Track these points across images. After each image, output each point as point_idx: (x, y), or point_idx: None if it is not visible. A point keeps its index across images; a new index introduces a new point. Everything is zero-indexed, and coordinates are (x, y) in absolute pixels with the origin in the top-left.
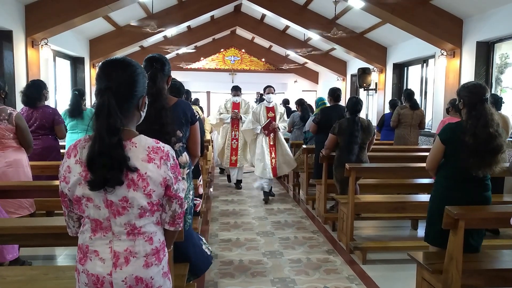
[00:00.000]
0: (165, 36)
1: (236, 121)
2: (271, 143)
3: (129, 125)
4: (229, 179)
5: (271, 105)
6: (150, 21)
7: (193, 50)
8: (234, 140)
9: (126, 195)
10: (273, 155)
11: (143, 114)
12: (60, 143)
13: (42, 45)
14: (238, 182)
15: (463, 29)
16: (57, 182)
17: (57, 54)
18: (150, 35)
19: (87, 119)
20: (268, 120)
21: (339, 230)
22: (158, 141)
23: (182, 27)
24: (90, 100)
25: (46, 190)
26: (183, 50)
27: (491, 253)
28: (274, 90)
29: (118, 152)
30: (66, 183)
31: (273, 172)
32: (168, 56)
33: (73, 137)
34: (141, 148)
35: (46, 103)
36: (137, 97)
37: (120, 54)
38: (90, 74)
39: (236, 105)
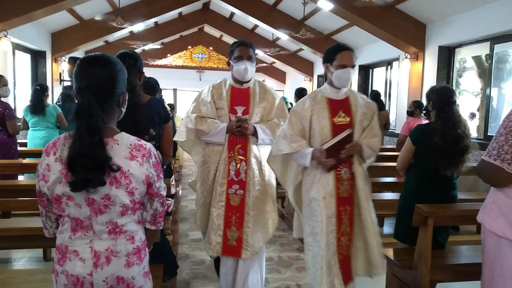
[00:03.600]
0: (131, 32)
1: (241, 140)
2: (344, 195)
3: (111, 123)
4: (217, 269)
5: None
6: (116, 16)
7: (160, 47)
8: (236, 188)
9: (109, 193)
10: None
11: (124, 111)
12: (21, 141)
13: (0, 37)
14: None
15: (426, 33)
16: (14, 181)
17: (17, 47)
18: (116, 30)
19: (49, 116)
20: (347, 132)
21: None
22: (140, 139)
23: (149, 23)
24: (52, 96)
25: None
26: (150, 46)
27: (455, 248)
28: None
29: (99, 152)
30: (45, 182)
31: (347, 275)
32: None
33: (35, 135)
34: (123, 145)
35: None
36: (118, 94)
37: (84, 48)
38: (52, 69)
39: (241, 95)
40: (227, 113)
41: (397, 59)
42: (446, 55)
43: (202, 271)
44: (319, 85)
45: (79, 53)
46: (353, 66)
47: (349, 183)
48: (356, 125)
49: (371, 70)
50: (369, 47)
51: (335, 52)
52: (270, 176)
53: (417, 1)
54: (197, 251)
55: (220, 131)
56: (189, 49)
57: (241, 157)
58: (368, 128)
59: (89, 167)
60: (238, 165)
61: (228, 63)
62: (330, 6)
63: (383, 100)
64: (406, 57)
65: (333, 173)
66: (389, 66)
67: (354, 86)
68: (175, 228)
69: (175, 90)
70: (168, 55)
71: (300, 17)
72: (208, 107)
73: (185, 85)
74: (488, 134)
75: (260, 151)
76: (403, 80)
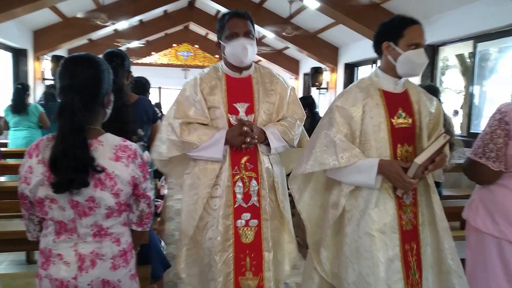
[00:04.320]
0: (115, 30)
1: (249, 150)
2: (407, 227)
3: (95, 124)
4: None
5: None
6: (101, 13)
7: (145, 45)
8: (248, 217)
9: (93, 195)
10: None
11: (109, 112)
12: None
13: None
14: None
15: None
16: None
17: None
18: (100, 28)
19: (32, 115)
20: (443, 139)
21: (296, 226)
22: (125, 139)
23: (134, 20)
24: (34, 95)
25: None
26: (134, 44)
27: None
28: None
29: (83, 152)
30: (27, 184)
31: None
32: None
33: (17, 135)
34: (108, 146)
35: None
36: (103, 95)
37: (67, 46)
38: (34, 68)
39: (242, 87)
40: (224, 114)
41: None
42: (430, 53)
43: None
44: (305, 84)
45: (62, 51)
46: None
47: (412, 210)
48: (423, 129)
49: (356, 68)
50: (355, 45)
51: (403, 26)
52: (284, 194)
53: (401, 0)
54: None
55: (216, 142)
56: (174, 47)
57: (250, 173)
58: (436, 134)
59: (72, 168)
60: (247, 185)
61: (218, 45)
62: (317, 4)
63: None
64: None
65: (394, 197)
66: (374, 64)
67: (340, 85)
68: (161, 228)
69: (160, 88)
70: (153, 53)
71: (286, 15)
72: (197, 107)
73: (170, 84)
74: (471, 131)
75: (272, 163)
76: None
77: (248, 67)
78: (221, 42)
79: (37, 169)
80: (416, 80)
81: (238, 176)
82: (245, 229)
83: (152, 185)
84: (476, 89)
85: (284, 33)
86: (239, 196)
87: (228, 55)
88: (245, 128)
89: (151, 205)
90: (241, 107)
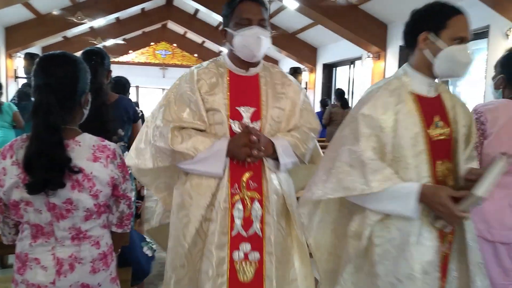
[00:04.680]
0: (91, 27)
1: (252, 165)
2: (442, 261)
3: (71, 124)
4: None
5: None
6: (76, 11)
7: (122, 43)
8: (247, 250)
9: (71, 197)
10: None
11: (86, 112)
12: None
13: None
14: None
15: (387, 33)
16: None
17: None
18: (75, 25)
19: (5, 114)
20: (504, 160)
21: None
22: (104, 139)
23: (111, 18)
24: (7, 94)
25: None
26: (111, 42)
27: None
28: None
29: (58, 152)
30: (0, 187)
31: None
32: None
33: None
34: (85, 146)
35: None
36: (80, 94)
37: (40, 44)
38: (6, 65)
39: (247, 88)
40: (225, 118)
41: (359, 58)
42: (406, 55)
43: None
44: None
45: (35, 49)
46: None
47: (449, 239)
48: (459, 141)
49: (334, 68)
50: (333, 46)
51: (448, 15)
52: (300, 219)
53: (379, 2)
54: (164, 252)
55: (215, 153)
56: (152, 45)
57: (253, 193)
58: (470, 148)
59: (47, 168)
60: (249, 209)
61: (224, 33)
62: (296, 5)
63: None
64: (368, 56)
65: (435, 229)
66: (352, 65)
67: (319, 85)
68: (141, 229)
69: (137, 87)
70: (130, 51)
71: None
72: (193, 109)
73: (148, 82)
74: None
75: (281, 182)
76: (366, 79)
77: (256, 64)
78: (228, 30)
79: (11, 171)
80: None
81: (238, 197)
82: (244, 263)
83: (133, 186)
84: (450, 90)
85: None
86: (237, 222)
87: (236, 46)
88: (253, 138)
89: (132, 206)
90: (246, 112)
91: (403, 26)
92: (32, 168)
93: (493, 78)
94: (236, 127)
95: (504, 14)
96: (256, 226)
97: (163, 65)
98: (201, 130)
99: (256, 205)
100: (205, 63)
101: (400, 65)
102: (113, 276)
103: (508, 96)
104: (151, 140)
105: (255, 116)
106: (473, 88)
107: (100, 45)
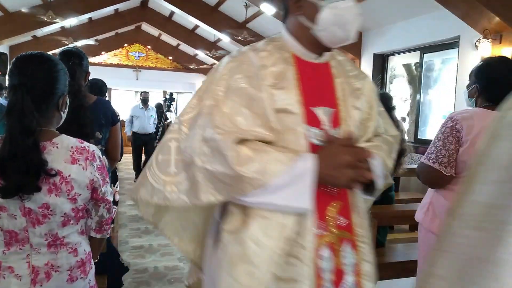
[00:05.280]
0: (62, 27)
1: (341, 197)
2: None
3: (48, 126)
4: None
5: None
6: (47, 9)
7: (94, 43)
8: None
9: (47, 202)
10: None
11: (64, 115)
12: None
13: None
14: None
15: (362, 41)
16: None
17: None
18: (45, 25)
19: None
20: None
21: None
22: (82, 140)
23: (83, 18)
24: None
25: None
26: (83, 42)
27: (392, 247)
28: None
29: (33, 155)
30: None
31: None
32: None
33: None
34: (63, 148)
35: None
36: (57, 96)
37: (8, 43)
38: None
39: (321, 80)
40: (301, 124)
41: None
42: (380, 63)
43: (145, 279)
44: None
45: (3, 48)
46: None
47: None
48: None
49: None
50: None
51: None
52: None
53: None
54: (138, 258)
55: (298, 177)
56: (126, 47)
57: (342, 233)
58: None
59: (21, 171)
60: (340, 255)
61: (298, 4)
62: (273, 10)
63: None
64: None
65: None
66: None
67: None
68: (114, 235)
69: (109, 89)
70: (103, 52)
71: (242, 20)
72: (255, 111)
73: (120, 84)
74: (418, 137)
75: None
76: None
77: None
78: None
79: None
80: None
81: (325, 240)
82: None
83: (112, 190)
84: (422, 98)
85: (240, 38)
86: (326, 277)
87: (324, 23)
88: (344, 139)
89: (111, 210)
90: (324, 114)
91: (379, 34)
92: (5, 172)
93: (468, 86)
94: (315, 137)
95: (473, 26)
96: (350, 280)
97: (137, 67)
98: (266, 142)
99: (348, 248)
100: (260, 43)
101: (374, 73)
102: (92, 284)
103: (481, 105)
104: (195, 160)
105: (335, 120)
106: (443, 96)
107: (71, 46)
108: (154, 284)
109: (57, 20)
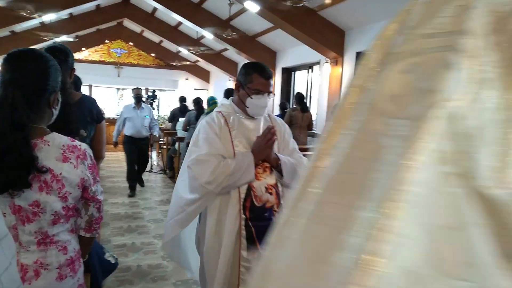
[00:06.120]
0: (42, 22)
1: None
2: None
3: (40, 123)
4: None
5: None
6: (26, 4)
7: (74, 40)
8: None
9: (38, 199)
10: None
11: (56, 112)
12: None
13: None
14: None
15: (345, 40)
16: None
17: None
18: (24, 20)
19: None
20: None
21: None
22: (74, 139)
23: (63, 14)
24: None
25: None
26: (63, 38)
27: None
28: None
29: (24, 150)
30: None
31: None
32: (45, 45)
33: None
34: (54, 146)
35: None
36: (48, 92)
37: None
38: None
39: None
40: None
41: (318, 63)
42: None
43: (128, 277)
44: None
45: None
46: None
47: None
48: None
49: (293, 72)
50: (292, 50)
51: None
52: None
53: (337, 8)
54: (121, 257)
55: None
56: (107, 43)
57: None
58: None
59: (11, 167)
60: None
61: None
62: (257, 8)
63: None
64: (326, 62)
65: None
66: (310, 70)
67: (278, 88)
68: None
69: (90, 86)
70: (83, 48)
71: (225, 17)
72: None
73: (102, 81)
74: None
75: None
76: (324, 83)
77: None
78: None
79: None
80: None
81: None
82: None
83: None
84: None
85: (223, 35)
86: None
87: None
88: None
89: (101, 209)
90: None
91: (360, 33)
92: None
93: None
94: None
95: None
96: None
97: (118, 64)
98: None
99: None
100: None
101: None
102: (81, 283)
103: None
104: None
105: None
106: None
107: (51, 42)
108: (137, 282)
109: (36, 15)
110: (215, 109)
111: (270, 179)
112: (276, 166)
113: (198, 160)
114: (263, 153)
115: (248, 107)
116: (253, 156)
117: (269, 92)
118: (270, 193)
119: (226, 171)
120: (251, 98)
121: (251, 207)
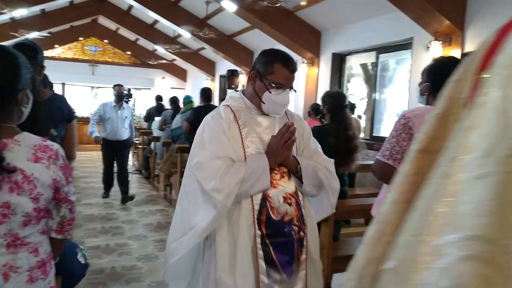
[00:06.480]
0: (12, 18)
1: None
2: None
3: (8, 122)
4: None
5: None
6: None
7: (47, 36)
8: None
9: (9, 201)
10: None
11: (26, 111)
12: None
13: None
14: None
15: (321, 40)
16: None
17: None
18: None
19: None
20: None
21: None
22: (45, 139)
23: (35, 9)
24: None
25: None
26: (35, 35)
27: (347, 240)
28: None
29: None
30: None
31: None
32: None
33: None
34: (25, 146)
35: None
36: (17, 91)
37: None
38: None
39: None
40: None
41: None
42: (338, 62)
43: (101, 280)
44: (221, 85)
45: None
46: None
47: None
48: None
49: None
50: None
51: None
52: None
53: (313, 9)
54: (95, 259)
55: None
56: (81, 40)
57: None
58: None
59: None
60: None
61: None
62: (234, 7)
63: None
64: (303, 62)
65: None
66: None
67: None
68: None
69: (63, 84)
70: (56, 46)
71: (202, 16)
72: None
73: (75, 79)
74: (374, 134)
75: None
76: (300, 84)
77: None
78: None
79: None
80: (325, 86)
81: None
82: None
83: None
84: (377, 96)
85: (200, 34)
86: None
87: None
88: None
89: (74, 210)
90: None
91: (337, 34)
92: None
93: (419, 84)
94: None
95: (426, 28)
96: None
97: (93, 62)
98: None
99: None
100: None
101: (332, 72)
102: (52, 285)
103: (432, 102)
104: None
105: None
106: (397, 95)
107: (22, 38)
108: (111, 284)
109: (5, 10)
110: (222, 103)
111: (288, 186)
112: (295, 171)
113: (202, 163)
114: (280, 155)
115: (264, 103)
116: (268, 159)
117: (291, 88)
118: (289, 204)
119: (236, 177)
120: (270, 92)
121: (267, 221)
